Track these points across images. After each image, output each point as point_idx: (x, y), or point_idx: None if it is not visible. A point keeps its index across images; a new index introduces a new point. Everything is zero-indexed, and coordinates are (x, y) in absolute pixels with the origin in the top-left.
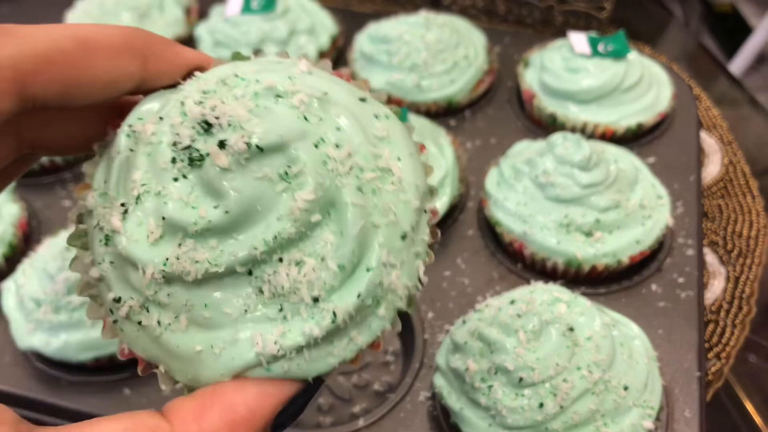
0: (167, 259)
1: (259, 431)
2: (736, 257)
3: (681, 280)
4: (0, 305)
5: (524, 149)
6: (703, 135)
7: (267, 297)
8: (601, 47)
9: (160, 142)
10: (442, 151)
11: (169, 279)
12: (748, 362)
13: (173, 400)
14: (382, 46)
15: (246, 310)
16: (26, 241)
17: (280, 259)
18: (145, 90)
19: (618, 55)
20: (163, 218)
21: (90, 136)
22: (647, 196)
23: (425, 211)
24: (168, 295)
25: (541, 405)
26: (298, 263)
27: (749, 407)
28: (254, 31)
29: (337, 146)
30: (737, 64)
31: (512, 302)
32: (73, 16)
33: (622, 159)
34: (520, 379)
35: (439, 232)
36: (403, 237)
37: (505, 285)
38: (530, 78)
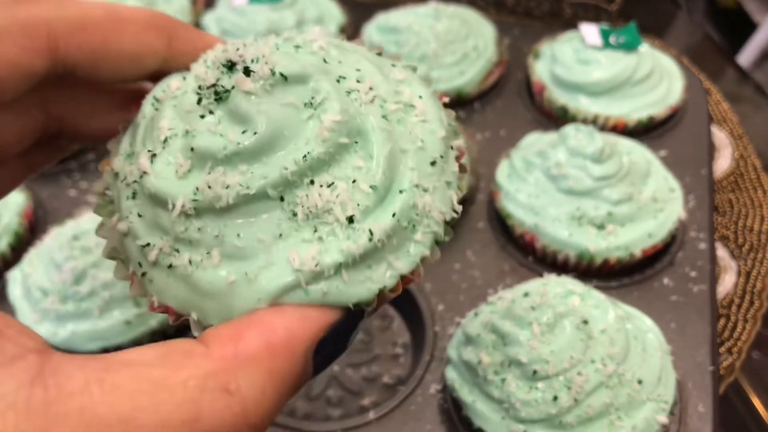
0: (197, 188)
1: (299, 358)
2: (747, 252)
3: (693, 274)
4: (6, 294)
5: (535, 141)
6: (714, 129)
7: (301, 219)
8: (612, 39)
9: (185, 91)
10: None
11: (199, 210)
12: (753, 358)
13: (209, 329)
14: (391, 37)
15: (280, 235)
16: (32, 230)
17: (311, 182)
18: (167, 72)
19: (629, 47)
20: (192, 149)
21: (113, 121)
22: (659, 189)
23: (452, 147)
24: (199, 229)
25: (555, 398)
26: (330, 185)
27: (756, 403)
28: (262, 20)
29: (358, 81)
30: (742, 60)
31: (526, 294)
32: None
33: (635, 151)
34: (534, 372)
35: (467, 171)
36: (433, 163)
37: (516, 278)
38: (541, 70)
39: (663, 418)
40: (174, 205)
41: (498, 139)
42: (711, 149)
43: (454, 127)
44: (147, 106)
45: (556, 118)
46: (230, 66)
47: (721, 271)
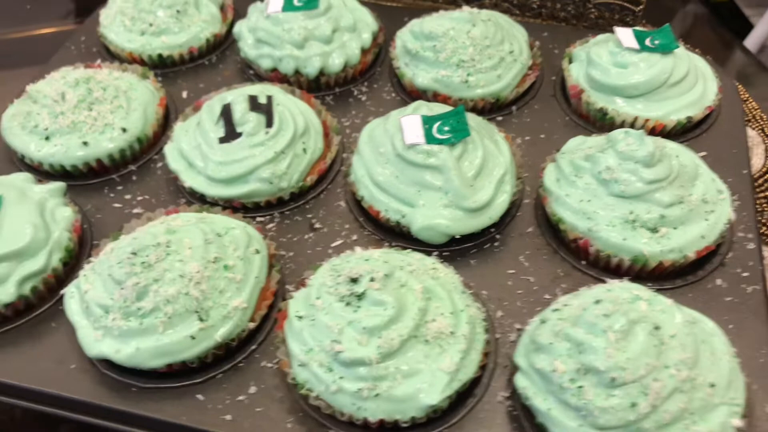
0: (378, 347)
1: None
2: None
3: (745, 274)
4: (62, 311)
5: (579, 145)
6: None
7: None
8: (648, 41)
9: (330, 303)
10: (499, 148)
11: (382, 357)
12: None
13: None
14: (428, 43)
15: (426, 356)
16: (81, 245)
17: (425, 321)
18: None
19: (666, 49)
20: (363, 327)
21: None
22: (708, 191)
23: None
24: (386, 368)
25: (633, 405)
26: (434, 320)
27: None
28: (297, 28)
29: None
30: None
31: (597, 302)
32: (108, 12)
33: (683, 154)
34: (612, 380)
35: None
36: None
37: (571, 282)
38: (576, 73)
39: (738, 422)
40: (371, 360)
41: (538, 143)
42: (748, 149)
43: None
44: (295, 321)
45: (593, 121)
46: (355, 280)
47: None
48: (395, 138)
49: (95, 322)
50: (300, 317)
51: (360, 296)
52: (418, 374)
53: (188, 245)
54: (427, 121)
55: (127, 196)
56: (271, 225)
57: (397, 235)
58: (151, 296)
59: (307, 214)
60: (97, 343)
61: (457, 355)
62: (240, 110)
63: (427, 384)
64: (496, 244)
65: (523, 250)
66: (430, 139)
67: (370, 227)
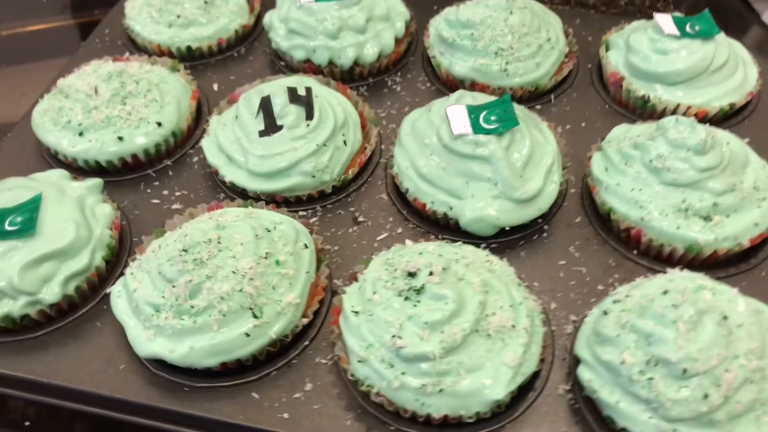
0: (440, 341)
1: None
2: None
3: None
4: (106, 310)
5: (625, 133)
6: None
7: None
8: (688, 27)
9: (388, 298)
10: (545, 136)
11: (445, 352)
12: None
13: None
14: (465, 31)
15: (489, 350)
16: (120, 242)
17: (486, 316)
18: None
19: (706, 35)
20: (426, 323)
21: None
22: (759, 178)
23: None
24: (448, 363)
25: (706, 396)
26: (494, 314)
27: None
28: (330, 18)
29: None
30: None
31: (665, 293)
32: (134, 4)
33: (732, 141)
34: (684, 371)
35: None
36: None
37: (624, 272)
38: (615, 60)
39: None
40: (434, 355)
41: (579, 132)
42: None
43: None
44: (352, 317)
45: (633, 109)
46: (413, 274)
47: None
48: (441, 129)
49: (146, 321)
50: (356, 312)
51: (419, 290)
52: (481, 369)
53: (239, 241)
54: (473, 110)
55: (165, 192)
56: (314, 219)
57: (443, 228)
58: (205, 294)
59: (349, 208)
60: (149, 342)
61: (520, 349)
62: (280, 103)
63: (491, 379)
64: (544, 235)
65: (573, 241)
66: (477, 129)
67: (415, 220)
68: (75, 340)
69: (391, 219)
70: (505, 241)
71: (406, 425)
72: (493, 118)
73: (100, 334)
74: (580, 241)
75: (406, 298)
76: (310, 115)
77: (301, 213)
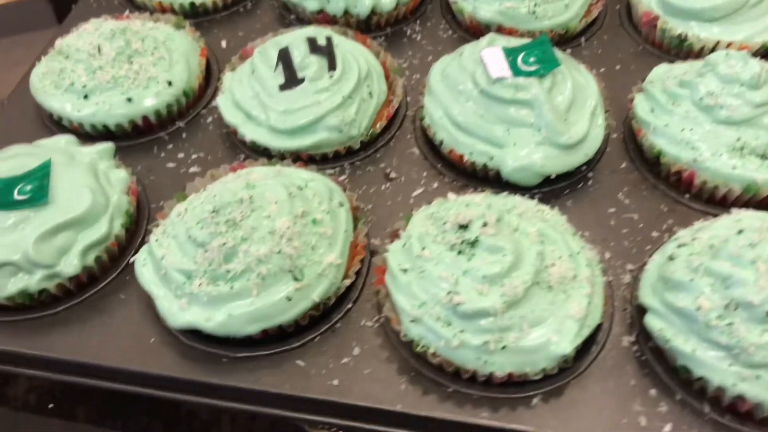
0: (502, 294)
1: None
2: None
3: None
4: (130, 281)
5: (667, 73)
6: None
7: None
8: None
9: (439, 253)
10: (585, 79)
11: (507, 306)
12: None
13: None
14: None
15: (551, 303)
16: (138, 208)
17: (546, 267)
18: None
19: None
20: (483, 276)
21: None
22: None
23: None
24: (510, 318)
25: None
26: (554, 265)
27: None
28: None
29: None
30: None
31: (740, 232)
32: None
33: None
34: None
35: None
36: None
37: (677, 217)
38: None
39: None
40: (495, 310)
41: (614, 75)
42: None
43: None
44: (400, 275)
45: (668, 49)
46: (464, 226)
47: None
48: (477, 73)
49: (177, 290)
50: (405, 270)
51: (473, 243)
52: (545, 323)
53: (272, 200)
54: (510, 53)
55: (180, 155)
56: (343, 177)
57: (481, 180)
58: (241, 257)
59: (379, 164)
60: (182, 312)
61: (584, 300)
62: (299, 54)
63: (557, 332)
64: (589, 182)
65: (620, 187)
66: (516, 71)
67: (451, 173)
68: (98, 314)
69: (424, 174)
70: (549, 190)
71: (464, 386)
72: (531, 59)
73: (125, 307)
74: (628, 187)
75: (460, 252)
76: (332, 66)
77: (328, 171)
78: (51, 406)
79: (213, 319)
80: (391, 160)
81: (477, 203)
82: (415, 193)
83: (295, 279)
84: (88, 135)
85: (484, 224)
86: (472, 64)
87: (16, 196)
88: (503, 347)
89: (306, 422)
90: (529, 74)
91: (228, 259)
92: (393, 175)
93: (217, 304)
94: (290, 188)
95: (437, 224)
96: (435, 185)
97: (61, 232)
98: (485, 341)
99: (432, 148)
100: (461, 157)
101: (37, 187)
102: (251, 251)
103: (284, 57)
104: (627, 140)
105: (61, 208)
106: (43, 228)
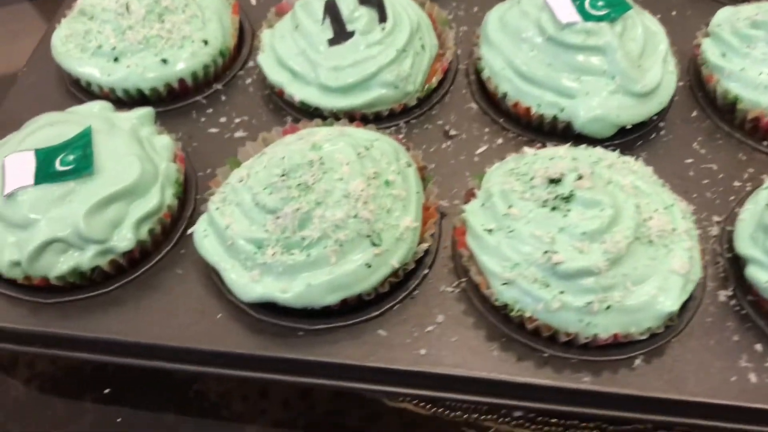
0: (604, 251)
1: None
2: None
3: None
4: (189, 254)
5: (734, 15)
6: None
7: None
8: None
9: (530, 210)
10: (654, 24)
11: (610, 264)
12: None
13: None
14: None
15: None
16: (185, 176)
17: (644, 221)
18: None
19: None
20: (583, 234)
21: None
22: None
23: None
24: (614, 276)
25: None
26: (651, 219)
27: None
28: None
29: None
30: None
31: None
32: None
33: None
34: None
35: None
36: None
37: (758, 165)
38: None
39: None
40: (599, 269)
41: (671, 21)
42: None
43: None
44: (486, 236)
45: None
46: (556, 181)
47: None
48: (542, 19)
49: (247, 261)
50: (490, 231)
51: (567, 198)
52: (648, 279)
53: (343, 161)
54: None
55: (222, 119)
56: (401, 136)
57: (548, 134)
58: (317, 223)
59: (437, 121)
60: (254, 284)
61: (686, 254)
62: (348, 5)
63: (661, 289)
64: (662, 133)
65: (695, 137)
66: (586, 16)
67: (516, 128)
68: (155, 291)
69: (486, 130)
70: (621, 142)
71: (561, 350)
72: (600, 3)
73: (184, 282)
74: (702, 137)
75: (553, 208)
76: (383, 18)
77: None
78: (106, 391)
79: (290, 290)
80: (448, 116)
81: (561, 156)
82: (479, 151)
83: (374, 244)
84: (119, 101)
85: (579, 177)
86: (534, 9)
87: (59, 167)
88: (607, 307)
89: (390, 395)
90: (599, 18)
91: (303, 225)
92: (453, 132)
93: (294, 273)
94: (358, 149)
95: (522, 180)
96: (499, 141)
97: (111, 204)
98: (588, 302)
99: (492, 102)
100: (528, 109)
101: (80, 156)
102: (327, 216)
103: (331, 9)
104: (694, 87)
105: (109, 178)
106: (93, 200)
